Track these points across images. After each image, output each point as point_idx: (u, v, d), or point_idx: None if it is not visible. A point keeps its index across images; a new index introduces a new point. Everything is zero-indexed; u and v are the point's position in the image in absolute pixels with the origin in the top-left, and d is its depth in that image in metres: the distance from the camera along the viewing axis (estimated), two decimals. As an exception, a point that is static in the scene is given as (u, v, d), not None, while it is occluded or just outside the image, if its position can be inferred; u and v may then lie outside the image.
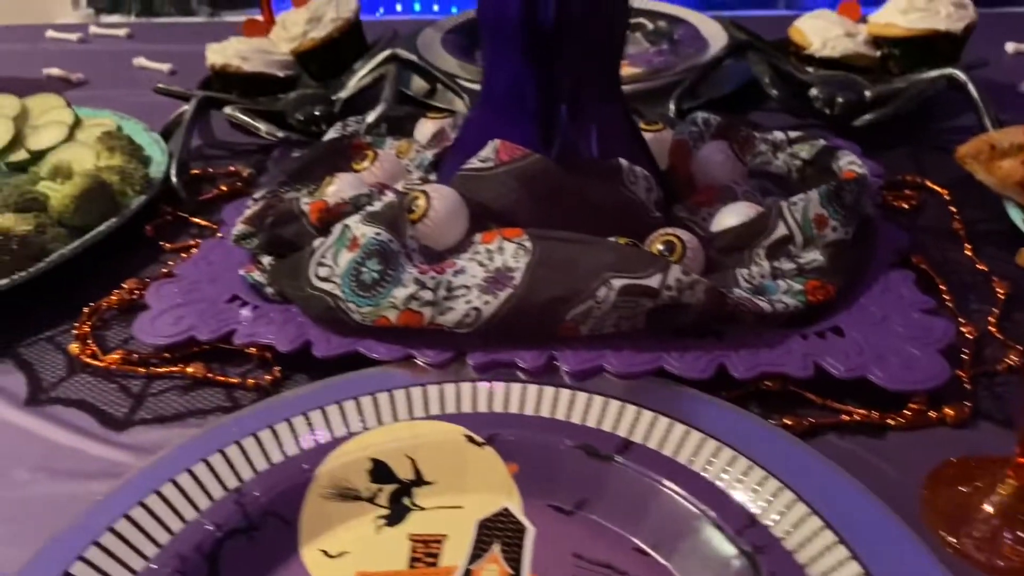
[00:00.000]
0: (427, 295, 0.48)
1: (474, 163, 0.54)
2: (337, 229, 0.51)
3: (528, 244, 0.49)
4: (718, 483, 0.38)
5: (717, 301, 0.47)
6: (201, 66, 0.83)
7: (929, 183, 0.67)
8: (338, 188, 0.57)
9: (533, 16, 0.52)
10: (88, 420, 0.48)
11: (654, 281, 0.46)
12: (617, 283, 0.46)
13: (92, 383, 0.51)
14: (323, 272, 0.50)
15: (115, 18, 2.09)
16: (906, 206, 0.64)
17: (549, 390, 0.43)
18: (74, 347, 0.52)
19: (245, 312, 0.52)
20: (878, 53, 0.79)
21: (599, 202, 0.53)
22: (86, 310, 0.56)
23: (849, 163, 0.57)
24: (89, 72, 1.00)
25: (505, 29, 0.53)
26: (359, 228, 0.50)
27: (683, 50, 0.90)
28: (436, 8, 1.98)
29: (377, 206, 0.52)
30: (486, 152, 0.54)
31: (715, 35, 0.91)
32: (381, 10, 1.93)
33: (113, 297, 0.57)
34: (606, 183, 0.53)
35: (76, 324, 0.55)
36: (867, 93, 0.73)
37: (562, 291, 0.47)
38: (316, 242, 0.51)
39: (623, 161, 0.54)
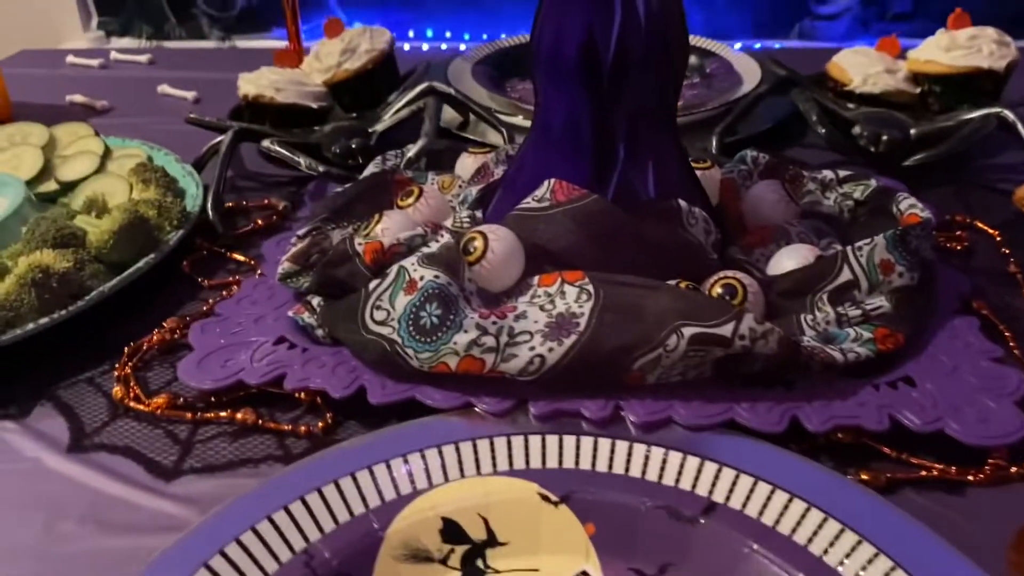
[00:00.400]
0: (489, 341, 0.46)
1: (529, 203, 0.53)
2: (393, 271, 0.50)
3: (591, 288, 0.48)
4: (811, 547, 0.36)
5: (790, 351, 0.45)
6: (225, 93, 0.82)
7: (979, 223, 0.66)
8: (387, 226, 0.56)
9: (594, 54, 0.51)
10: (135, 468, 0.46)
11: (727, 330, 0.45)
12: (688, 331, 0.45)
13: (136, 428, 0.49)
14: (379, 316, 0.48)
15: (126, 41, 2.09)
16: (958, 247, 0.63)
17: (622, 444, 0.42)
18: (117, 390, 0.51)
19: (294, 355, 0.51)
20: (918, 89, 0.79)
21: (657, 243, 0.52)
22: (126, 350, 0.54)
23: (910, 206, 0.56)
24: (112, 98, 0.99)
25: (563, 66, 0.52)
26: (416, 270, 0.49)
27: (717, 84, 0.89)
28: (467, 37, 1.97)
29: (433, 248, 0.51)
30: (541, 191, 0.53)
31: (748, 70, 0.90)
32: (411, 32, 1.92)
33: (154, 337, 0.55)
34: (665, 224, 0.52)
35: (116, 365, 0.53)
36: (912, 131, 0.72)
37: (630, 339, 0.45)
38: (371, 284, 0.50)
39: (682, 202, 0.52)
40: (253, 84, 0.77)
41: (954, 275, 0.57)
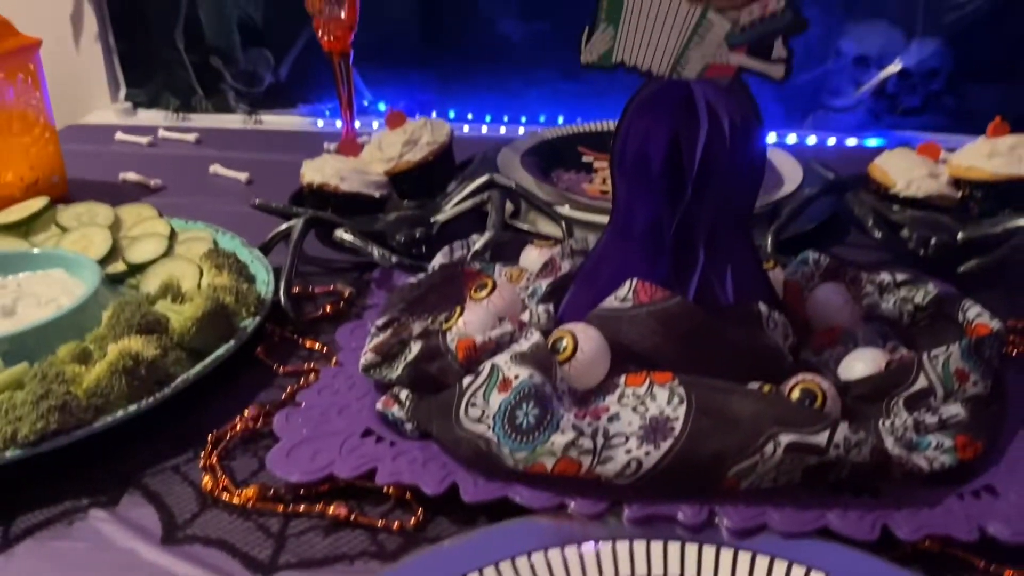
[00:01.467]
0: (586, 443, 0.47)
1: (612, 303, 0.55)
2: (486, 368, 0.51)
3: (682, 391, 0.49)
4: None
5: (881, 459, 0.47)
6: (274, 174, 0.84)
7: (1032, 329, 0.68)
8: (469, 319, 0.57)
9: (679, 161, 0.53)
10: (231, 563, 0.46)
11: (822, 438, 0.46)
12: (784, 439, 0.46)
13: (227, 520, 0.49)
14: (474, 413, 0.49)
15: (152, 113, 2.13)
16: (1015, 353, 0.65)
17: (709, 549, 0.42)
18: (207, 480, 0.51)
19: (383, 449, 0.51)
20: (960, 193, 0.81)
21: (739, 346, 0.54)
22: (210, 439, 0.55)
23: (978, 315, 0.58)
24: (164, 177, 1.01)
25: (648, 171, 0.54)
26: (511, 369, 0.50)
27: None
28: (489, 119, 2.02)
29: (524, 346, 0.52)
30: (624, 291, 0.55)
31: (789, 169, 0.93)
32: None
33: (237, 425, 0.56)
34: (746, 328, 0.54)
35: (200, 453, 0.54)
36: (959, 235, 0.74)
37: (727, 445, 0.46)
38: (465, 381, 0.51)
39: (763, 306, 0.54)
40: (319, 172, 0.79)
41: (1018, 381, 0.59)
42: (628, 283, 0.55)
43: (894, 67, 1.89)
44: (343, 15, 0.90)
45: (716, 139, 0.53)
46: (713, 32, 0.53)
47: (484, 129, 2.08)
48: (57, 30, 2.09)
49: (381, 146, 0.84)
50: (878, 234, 0.73)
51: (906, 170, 0.82)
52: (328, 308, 0.70)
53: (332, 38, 0.91)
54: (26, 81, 0.90)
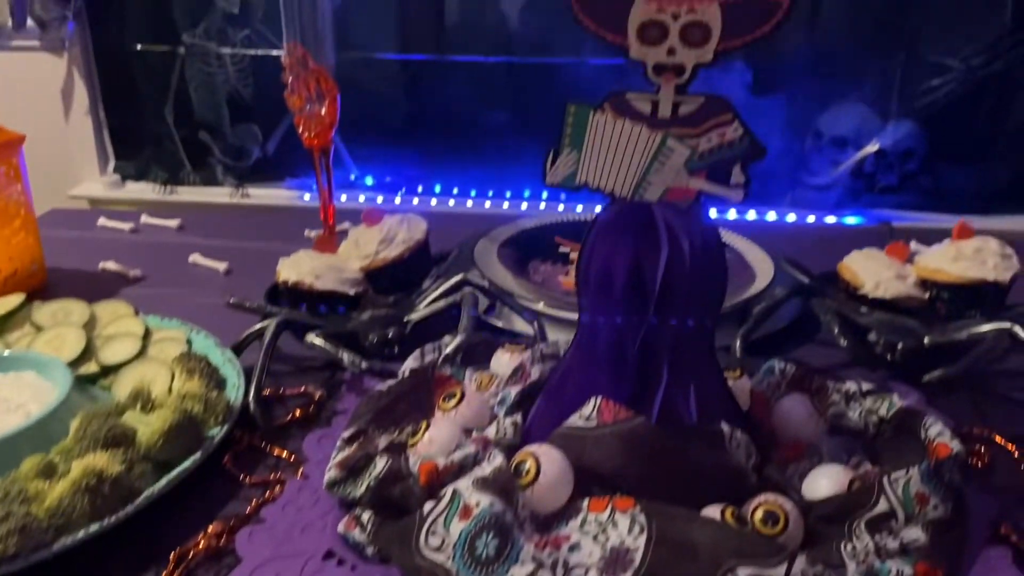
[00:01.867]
0: (545, 575, 0.47)
1: (577, 421, 0.55)
2: (448, 494, 0.51)
3: (642, 519, 0.49)
4: None
5: (839, 592, 0.47)
6: (255, 262, 0.85)
7: (998, 437, 0.68)
8: (434, 435, 0.57)
9: (641, 283, 0.54)
10: None
11: (780, 571, 0.46)
12: (743, 572, 0.46)
13: (185, 646, 0.49)
14: (434, 542, 0.49)
15: (140, 185, 2.15)
16: (979, 464, 0.65)
17: None
18: (166, 604, 0.51)
19: (344, 573, 0.51)
20: (927, 295, 0.83)
21: (701, 466, 0.54)
22: (172, 557, 0.54)
23: (938, 434, 0.58)
24: (144, 265, 1.01)
25: (611, 292, 0.55)
26: (472, 495, 0.50)
27: (733, 278, 0.93)
28: (474, 193, 2.05)
29: (487, 470, 0.52)
30: (588, 410, 0.55)
31: (760, 262, 0.94)
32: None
33: (200, 543, 0.55)
34: (709, 448, 0.54)
35: (162, 573, 0.53)
36: (925, 339, 0.75)
37: (685, 578, 0.46)
38: (427, 507, 0.51)
39: (726, 426, 0.55)
40: (294, 270, 0.80)
41: (981, 498, 0.59)
42: (592, 401, 0.55)
43: (871, 147, 1.94)
44: (323, 112, 0.92)
45: (677, 261, 0.54)
46: (673, 158, 0.55)
47: (469, 204, 2.12)
48: (48, 102, 2.13)
49: (358, 243, 0.86)
50: (844, 343, 0.74)
51: (875, 271, 0.83)
52: (298, 412, 0.70)
53: (312, 134, 0.93)
54: (8, 174, 0.91)
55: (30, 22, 1.89)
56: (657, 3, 0.51)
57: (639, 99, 0.55)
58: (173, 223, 1.16)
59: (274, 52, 1.96)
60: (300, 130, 0.94)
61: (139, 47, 2.02)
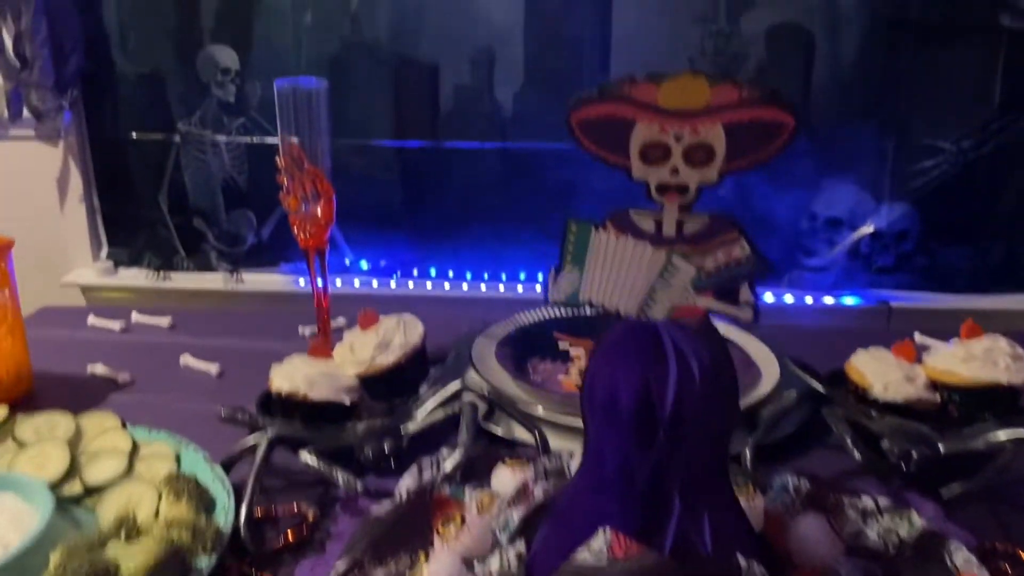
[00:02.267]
0: None
1: (586, 556, 0.52)
2: (450, 642, 0.48)
3: (658, 669, 0.46)
4: None
5: None
6: (248, 362, 0.82)
7: (1022, 553, 0.65)
8: (434, 570, 0.54)
9: (650, 407, 0.52)
10: None
11: None
12: None
13: None
14: None
15: (133, 271, 2.14)
16: (1005, 582, 0.62)
17: None
18: None
19: None
20: (938, 397, 0.81)
21: (717, 604, 0.51)
22: None
23: (966, 562, 0.56)
24: (134, 367, 0.99)
25: (618, 416, 0.53)
26: (476, 645, 0.47)
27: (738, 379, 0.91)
28: (469, 276, 2.05)
29: (491, 615, 0.49)
30: (597, 544, 0.52)
31: (764, 359, 0.92)
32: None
33: None
34: (725, 585, 0.51)
35: None
36: (940, 447, 0.73)
37: None
38: (428, 658, 0.48)
39: (742, 560, 0.52)
40: (287, 380, 0.78)
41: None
42: (601, 534, 0.53)
43: (867, 228, 1.94)
44: (319, 212, 0.91)
45: (687, 382, 0.52)
46: (679, 276, 0.53)
47: (465, 287, 2.11)
48: (42, 190, 2.13)
49: (353, 348, 0.83)
50: (858, 456, 0.71)
51: (883, 373, 0.81)
52: (290, 535, 0.67)
53: (308, 235, 0.92)
54: (-4, 280, 0.89)
55: (26, 112, 1.90)
56: (660, 125, 0.50)
57: (642, 216, 0.54)
58: (164, 321, 1.14)
59: (268, 140, 1.98)
60: (295, 231, 0.93)
61: (134, 135, 2.03)
